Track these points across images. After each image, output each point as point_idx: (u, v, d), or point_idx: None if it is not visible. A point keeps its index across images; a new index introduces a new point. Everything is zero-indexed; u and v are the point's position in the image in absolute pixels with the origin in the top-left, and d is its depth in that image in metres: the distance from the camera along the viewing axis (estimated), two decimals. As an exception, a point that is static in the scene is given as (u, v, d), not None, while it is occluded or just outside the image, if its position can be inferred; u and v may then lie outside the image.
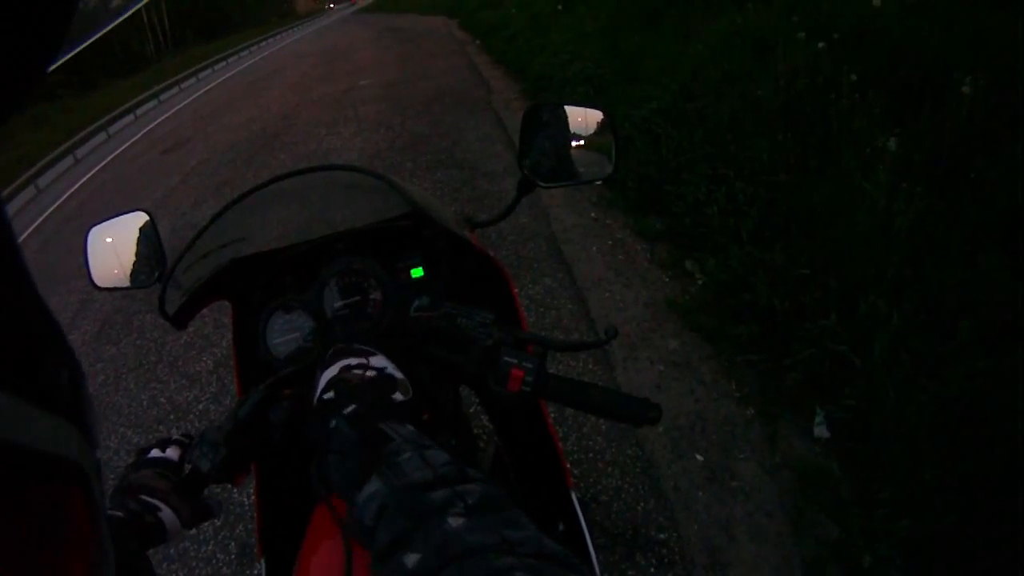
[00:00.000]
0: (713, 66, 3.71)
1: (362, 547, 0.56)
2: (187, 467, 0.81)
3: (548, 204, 3.38)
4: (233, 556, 2.29)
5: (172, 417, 3.16)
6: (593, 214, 3.22)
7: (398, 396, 0.72)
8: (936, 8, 2.90)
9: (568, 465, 1.04)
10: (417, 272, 1.06)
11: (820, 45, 3.04)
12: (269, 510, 1.13)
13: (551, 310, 2.76)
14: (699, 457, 2.02)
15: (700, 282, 2.57)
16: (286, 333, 1.05)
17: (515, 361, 0.77)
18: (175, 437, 0.86)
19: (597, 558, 1.00)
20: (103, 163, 10.57)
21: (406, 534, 0.49)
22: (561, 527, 1.07)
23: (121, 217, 1.11)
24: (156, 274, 1.02)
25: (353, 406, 0.68)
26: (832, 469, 1.86)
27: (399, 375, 0.77)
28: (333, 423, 0.66)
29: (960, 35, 2.68)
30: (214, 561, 2.33)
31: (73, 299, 5.14)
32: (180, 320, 1.00)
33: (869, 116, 2.62)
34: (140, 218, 1.10)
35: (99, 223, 1.12)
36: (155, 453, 0.83)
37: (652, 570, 1.80)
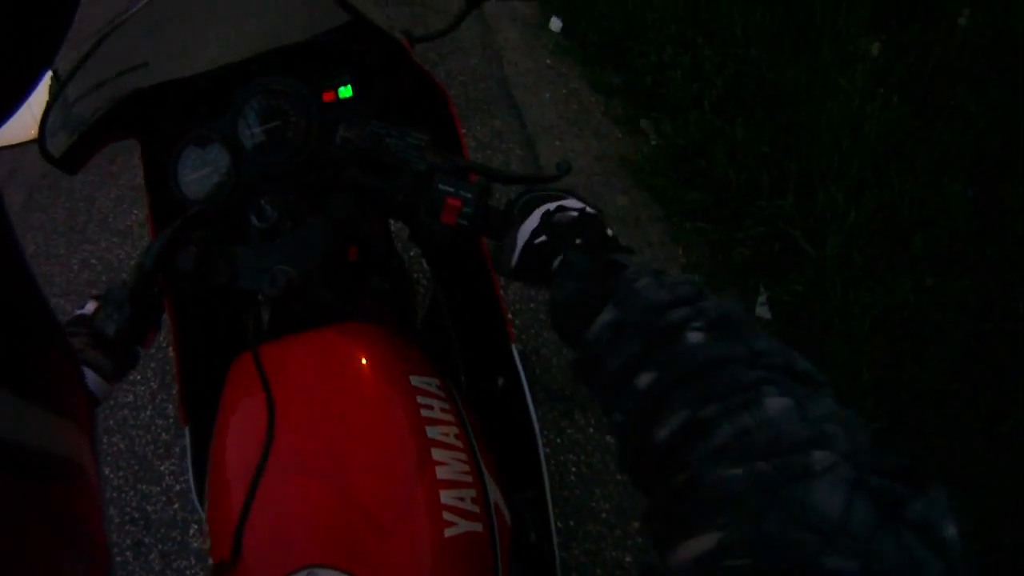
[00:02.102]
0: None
1: (587, 382, 0.51)
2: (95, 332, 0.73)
3: (503, 46, 3.05)
4: (171, 420, 2.22)
5: (104, 278, 2.97)
6: (549, 61, 2.96)
7: (609, 231, 0.62)
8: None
9: (509, 316, 0.95)
10: (346, 92, 0.94)
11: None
12: (190, 370, 1.02)
13: (499, 153, 2.59)
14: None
15: (654, 143, 2.45)
16: (199, 168, 0.94)
17: (451, 190, 0.67)
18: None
19: (536, 414, 0.94)
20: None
21: (641, 354, 0.44)
22: (501, 381, 1.02)
23: None
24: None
25: (579, 240, 0.59)
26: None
27: (597, 211, 0.65)
28: (558, 260, 0.59)
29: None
30: (153, 428, 2.23)
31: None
32: (71, 163, 0.86)
33: (856, 15, 2.52)
34: None
35: None
36: (76, 313, 0.78)
37: (591, 430, 1.82)
